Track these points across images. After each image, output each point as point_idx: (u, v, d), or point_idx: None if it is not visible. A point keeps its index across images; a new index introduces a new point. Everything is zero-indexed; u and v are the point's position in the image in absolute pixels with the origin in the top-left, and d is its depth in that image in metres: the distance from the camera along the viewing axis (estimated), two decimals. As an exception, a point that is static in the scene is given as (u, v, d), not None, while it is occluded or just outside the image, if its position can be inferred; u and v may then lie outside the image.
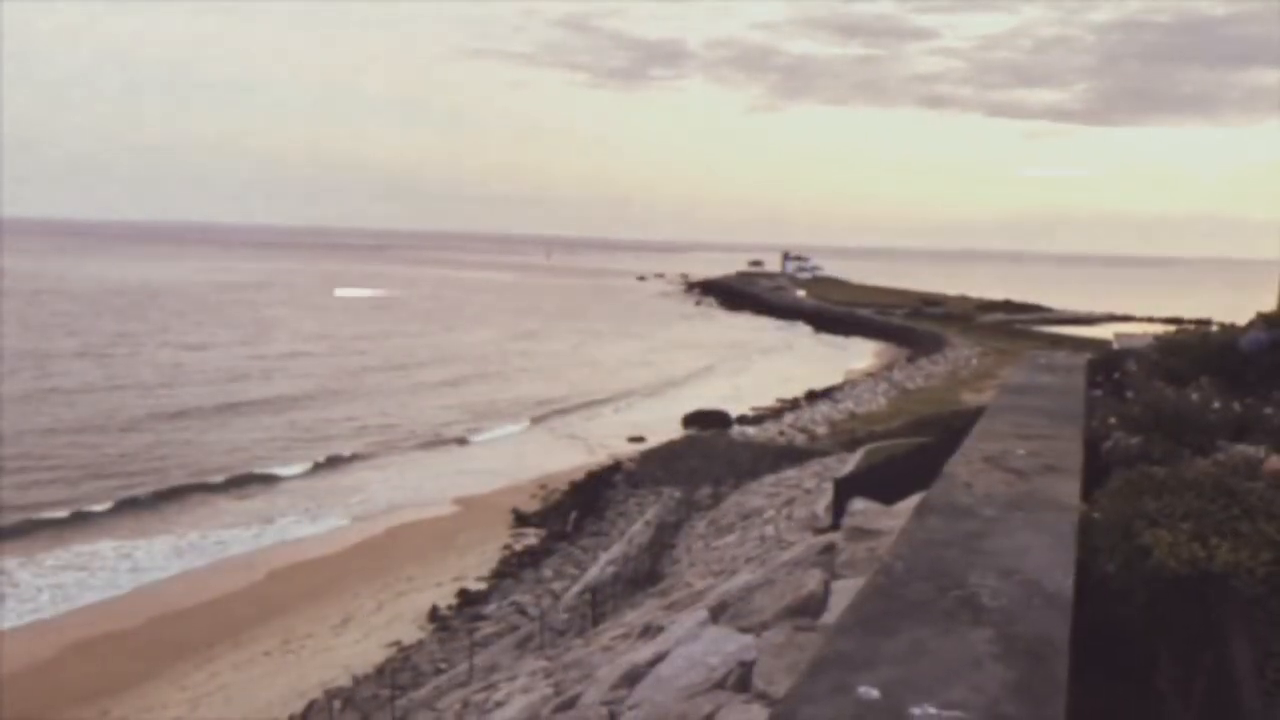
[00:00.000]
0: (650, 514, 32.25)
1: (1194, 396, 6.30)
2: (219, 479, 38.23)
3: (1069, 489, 4.44)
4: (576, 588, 25.25)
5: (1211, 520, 3.72)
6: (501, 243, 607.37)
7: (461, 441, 47.62)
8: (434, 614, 25.45)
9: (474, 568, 29.26)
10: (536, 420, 53.22)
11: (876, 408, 51.03)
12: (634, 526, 31.00)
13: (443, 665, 20.95)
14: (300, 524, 33.88)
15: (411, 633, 24.27)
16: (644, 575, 24.69)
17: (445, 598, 26.58)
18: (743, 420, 50.91)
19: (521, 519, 34.35)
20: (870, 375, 67.56)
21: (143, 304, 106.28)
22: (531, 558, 29.85)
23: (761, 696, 6.25)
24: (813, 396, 58.13)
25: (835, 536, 9.07)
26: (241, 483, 38.18)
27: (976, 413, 7.48)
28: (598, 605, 21.61)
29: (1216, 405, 6.21)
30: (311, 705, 19.99)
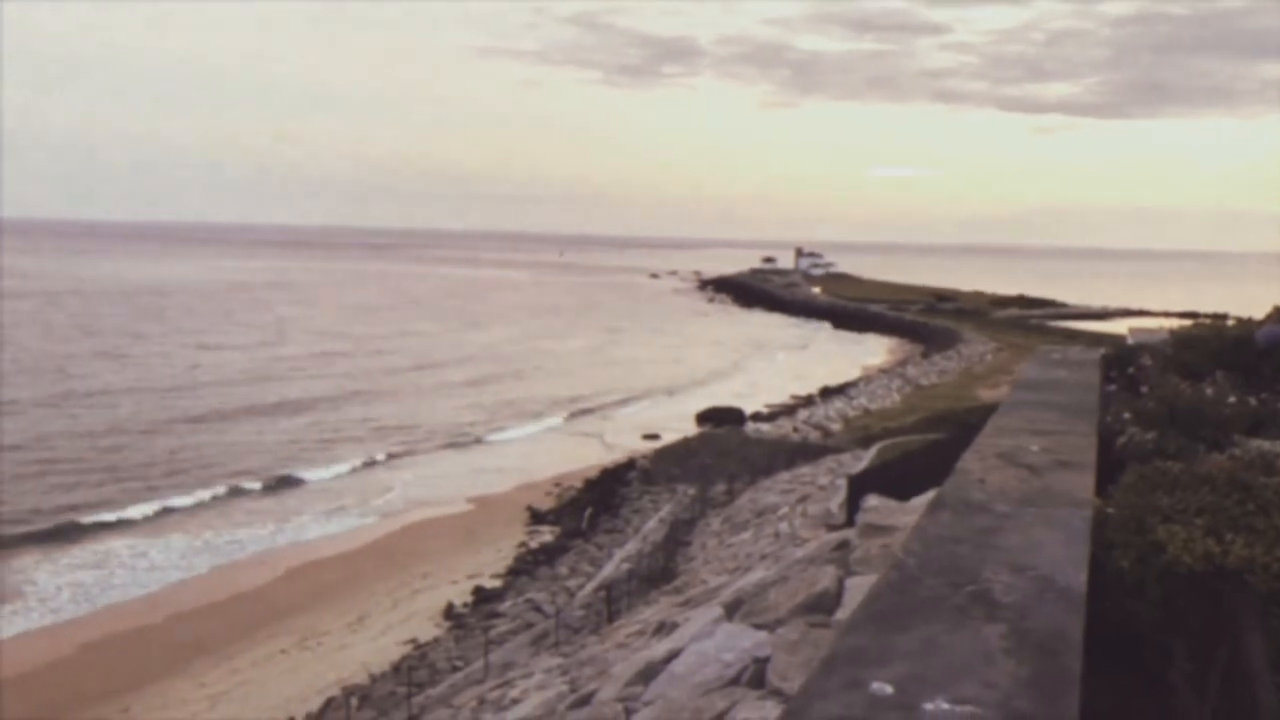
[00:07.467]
0: (665, 511, 32.27)
1: (1209, 391, 6.28)
2: (236, 478, 38.38)
3: (1082, 484, 4.44)
4: (591, 585, 25.29)
5: (1226, 516, 3.71)
6: (514, 241, 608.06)
7: (476, 440, 47.72)
8: (450, 611, 25.53)
9: (489, 565, 29.34)
10: (551, 418, 53.27)
11: (890, 404, 50.90)
12: (648, 524, 31.02)
13: (459, 662, 21.03)
14: (317, 523, 34.02)
15: (428, 630, 24.36)
16: (659, 572, 24.71)
17: (461, 595, 26.68)
18: (757, 417, 50.87)
19: (537, 517, 34.40)
20: (884, 371, 67.40)
21: (159, 303, 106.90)
22: (547, 555, 29.90)
23: (776, 693, 6.27)
24: (827, 393, 58.03)
25: (849, 533, 9.08)
26: (258, 482, 38.34)
27: (990, 409, 7.48)
28: (613, 602, 21.65)
29: (1232, 400, 6.19)
30: (329, 702, 20.10)
